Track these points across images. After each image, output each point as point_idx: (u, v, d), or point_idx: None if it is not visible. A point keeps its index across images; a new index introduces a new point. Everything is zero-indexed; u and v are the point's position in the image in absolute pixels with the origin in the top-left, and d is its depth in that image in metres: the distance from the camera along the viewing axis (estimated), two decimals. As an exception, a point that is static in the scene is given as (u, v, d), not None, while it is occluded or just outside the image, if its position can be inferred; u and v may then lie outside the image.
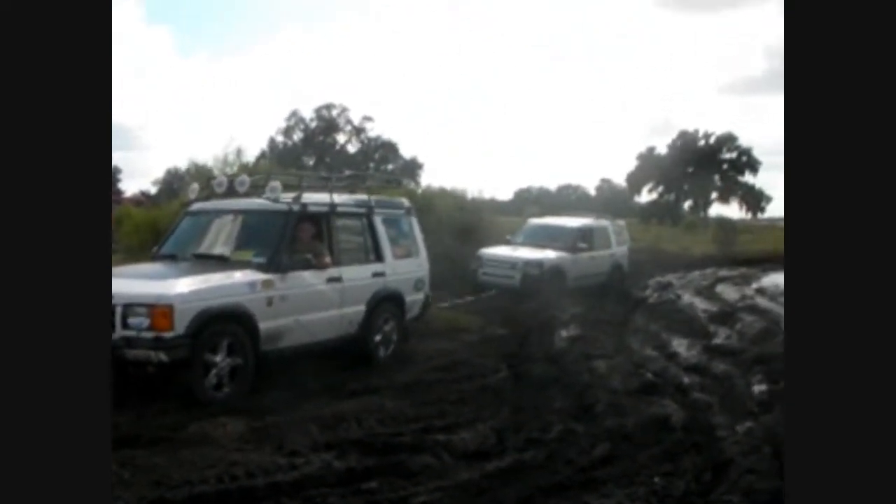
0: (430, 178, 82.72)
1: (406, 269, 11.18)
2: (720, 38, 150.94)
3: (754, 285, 21.21)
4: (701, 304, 16.64)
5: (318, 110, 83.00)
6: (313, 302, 9.33)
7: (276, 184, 9.58)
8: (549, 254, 18.76)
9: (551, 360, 10.46)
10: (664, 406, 7.93)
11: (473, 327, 13.56)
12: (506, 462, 6.21)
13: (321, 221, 9.91)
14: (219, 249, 9.60)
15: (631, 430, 7.07)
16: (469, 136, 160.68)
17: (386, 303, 10.60)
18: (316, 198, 10.00)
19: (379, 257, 10.64)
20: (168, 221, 14.09)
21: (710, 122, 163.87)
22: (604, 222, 21.47)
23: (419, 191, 30.77)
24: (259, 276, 8.61)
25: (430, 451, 6.32)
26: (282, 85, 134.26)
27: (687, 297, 18.01)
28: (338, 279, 9.71)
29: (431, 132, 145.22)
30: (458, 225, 22.50)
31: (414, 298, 11.32)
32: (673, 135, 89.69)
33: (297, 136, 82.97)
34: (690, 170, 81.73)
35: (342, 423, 7.16)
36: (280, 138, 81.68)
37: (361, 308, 10.12)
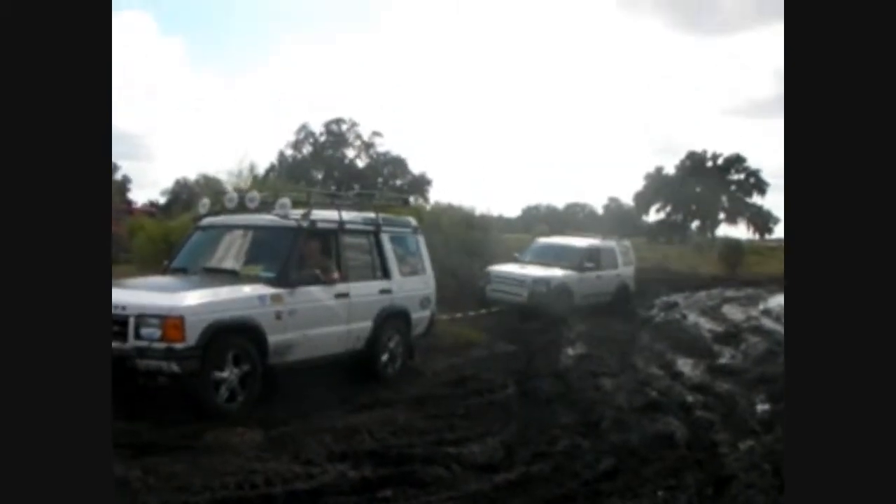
0: (438, 195, 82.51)
1: (412, 286, 11.22)
2: (729, 61, 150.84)
3: (760, 307, 21.43)
4: (706, 325, 16.89)
5: (327, 124, 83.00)
6: (321, 317, 9.37)
7: (286, 200, 9.75)
8: (557, 272, 18.94)
9: (558, 377, 10.67)
10: (668, 423, 8.11)
11: (482, 343, 13.76)
12: (514, 474, 6.39)
13: (329, 238, 9.99)
14: (229, 264, 9.73)
15: (635, 446, 7.26)
16: (478, 153, 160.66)
17: (392, 319, 10.65)
18: (324, 215, 10.08)
19: (386, 274, 10.70)
20: (181, 234, 14.30)
21: (718, 144, 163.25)
22: (610, 242, 21.63)
23: (428, 207, 30.98)
24: (269, 291, 8.72)
25: (442, 462, 6.52)
26: (292, 98, 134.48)
27: (693, 317, 18.27)
28: (345, 295, 9.76)
29: (441, 149, 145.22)
30: (467, 242, 22.67)
31: (420, 315, 11.35)
32: (681, 155, 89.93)
33: (307, 149, 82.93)
34: (698, 190, 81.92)
35: (356, 435, 7.36)
36: (289, 151, 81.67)
37: (368, 324, 10.18)
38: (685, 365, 11.78)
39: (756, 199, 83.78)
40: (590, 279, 19.61)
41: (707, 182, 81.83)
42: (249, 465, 6.24)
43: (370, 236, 10.71)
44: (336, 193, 12.04)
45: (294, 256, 9.25)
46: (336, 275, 9.76)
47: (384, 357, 10.51)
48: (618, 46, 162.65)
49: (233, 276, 9.25)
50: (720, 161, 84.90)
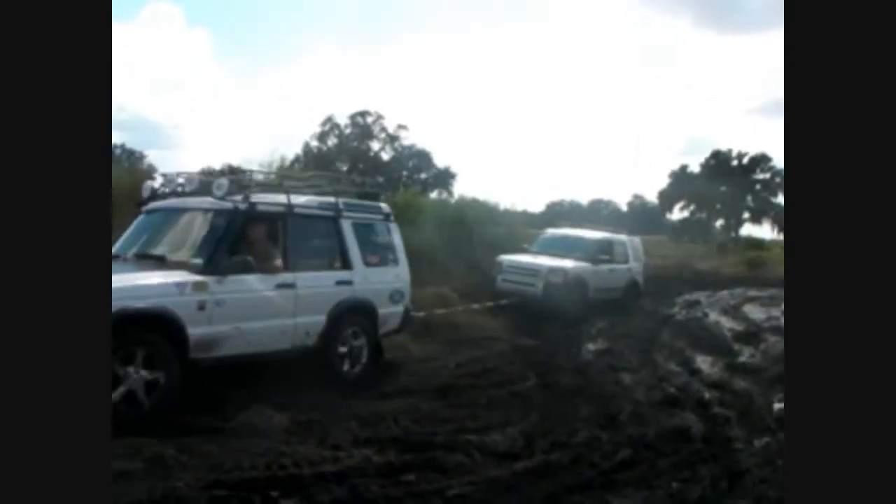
0: (463, 188, 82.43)
1: (380, 278, 10.50)
2: (756, 60, 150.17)
3: (782, 307, 21.38)
4: (727, 323, 16.89)
5: (352, 117, 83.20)
6: (258, 309, 8.68)
7: (223, 181, 8.96)
8: (572, 263, 18.65)
9: (578, 371, 10.84)
10: (685, 418, 8.24)
11: (504, 336, 13.93)
12: (534, 462, 6.57)
13: (276, 223, 9.26)
14: (160, 249, 9.04)
15: (652, 439, 7.40)
16: (503, 147, 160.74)
17: (352, 314, 9.95)
18: (269, 197, 9.38)
19: (346, 264, 9.99)
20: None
21: (744, 143, 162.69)
22: (622, 237, 21.43)
23: (452, 200, 31.15)
24: (190, 278, 8.02)
25: (463, 450, 6.71)
26: (317, 90, 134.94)
27: (714, 316, 18.28)
28: (290, 285, 9.05)
29: (466, 143, 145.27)
30: (490, 236, 22.76)
31: (389, 311, 10.62)
32: (706, 154, 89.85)
33: (332, 141, 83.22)
34: (723, 189, 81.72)
35: (380, 422, 7.58)
36: (314, 143, 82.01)
37: (321, 318, 9.47)
38: (704, 362, 11.86)
39: (781, 198, 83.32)
40: (603, 272, 19.34)
41: (732, 181, 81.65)
42: (278, 448, 6.45)
43: (328, 222, 9.99)
44: (289, 175, 10.93)
45: (226, 242, 8.56)
46: (278, 262, 9.09)
47: (341, 353, 9.83)
48: (644, 43, 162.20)
49: (159, 262, 8.61)
50: (745, 160, 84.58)
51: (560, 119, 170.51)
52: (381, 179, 63.90)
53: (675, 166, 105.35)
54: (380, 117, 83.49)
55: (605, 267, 19.54)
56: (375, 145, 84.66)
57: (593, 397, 9.18)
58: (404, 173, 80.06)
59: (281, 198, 9.42)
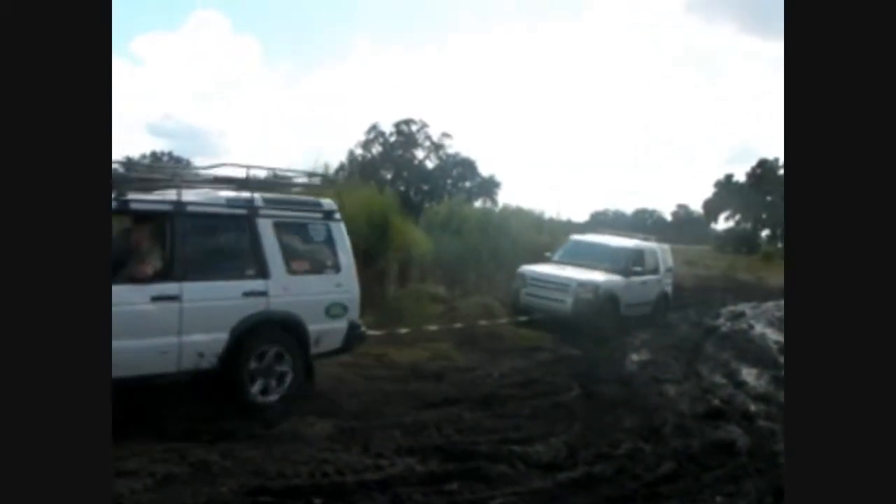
0: (507, 197, 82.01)
1: (310, 288, 8.81)
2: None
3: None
4: (773, 335, 16.66)
5: (397, 125, 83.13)
6: (124, 326, 6.81)
7: None
8: (602, 276, 17.02)
9: (622, 382, 10.76)
10: (730, 431, 8.19)
11: (546, 346, 13.90)
12: (577, 474, 6.58)
13: (161, 223, 7.86)
14: None
15: (696, 452, 7.37)
16: (548, 156, 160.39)
17: (267, 330, 8.41)
18: (154, 195, 8.08)
19: (261, 272, 8.36)
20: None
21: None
22: (652, 244, 19.61)
23: (496, 209, 31.11)
24: None
25: (506, 460, 6.73)
26: (362, 98, 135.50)
27: (759, 328, 18.03)
28: (173, 297, 7.62)
29: (510, 151, 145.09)
30: (535, 245, 22.61)
31: (325, 327, 8.89)
32: (752, 163, 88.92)
33: (376, 149, 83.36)
34: (769, 199, 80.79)
35: (423, 431, 7.60)
36: (359, 151, 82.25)
37: (221, 336, 7.96)
38: (749, 374, 11.74)
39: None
40: (635, 285, 17.74)
41: (778, 191, 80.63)
42: (321, 455, 6.53)
43: (239, 222, 8.40)
44: (173, 166, 8.08)
45: None
46: (150, 270, 7.69)
47: (252, 378, 8.27)
48: (691, 52, 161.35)
49: None
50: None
51: (604, 128, 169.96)
52: (425, 188, 63.89)
53: (720, 175, 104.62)
54: (424, 125, 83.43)
55: (637, 280, 17.91)
56: (420, 153, 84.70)
57: (637, 409, 9.13)
58: (448, 182, 79.89)
59: (168, 193, 8.07)
